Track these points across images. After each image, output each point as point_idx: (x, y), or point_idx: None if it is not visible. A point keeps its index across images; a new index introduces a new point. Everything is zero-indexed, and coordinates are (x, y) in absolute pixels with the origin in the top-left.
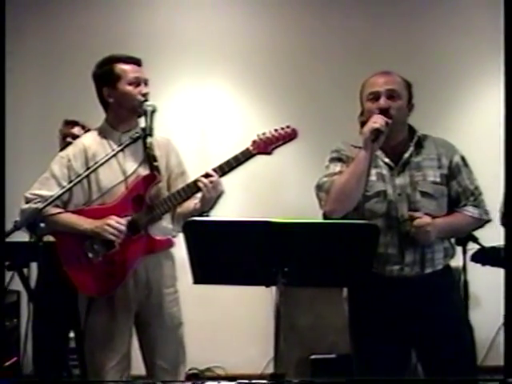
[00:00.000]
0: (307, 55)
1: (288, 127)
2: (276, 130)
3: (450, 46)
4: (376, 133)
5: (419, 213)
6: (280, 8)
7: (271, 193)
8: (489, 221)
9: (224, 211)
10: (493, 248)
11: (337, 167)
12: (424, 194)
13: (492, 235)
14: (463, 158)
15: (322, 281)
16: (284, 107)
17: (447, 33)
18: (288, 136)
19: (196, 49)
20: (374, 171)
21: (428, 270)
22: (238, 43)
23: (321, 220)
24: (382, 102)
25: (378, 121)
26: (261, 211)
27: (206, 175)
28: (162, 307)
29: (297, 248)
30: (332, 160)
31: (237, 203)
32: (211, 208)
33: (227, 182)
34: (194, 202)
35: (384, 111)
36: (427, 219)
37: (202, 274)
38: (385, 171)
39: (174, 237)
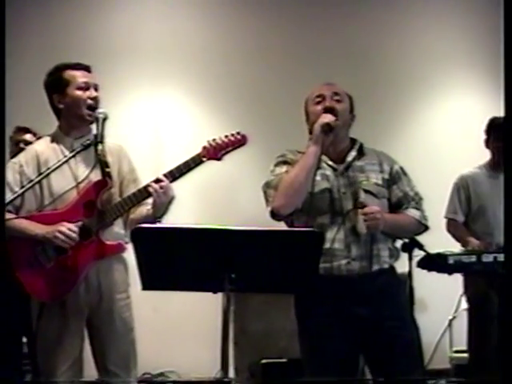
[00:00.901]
0: (256, 63)
1: (238, 133)
2: (226, 137)
3: (394, 60)
4: (326, 127)
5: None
6: (230, 18)
7: (223, 198)
8: (427, 228)
9: (177, 217)
10: (438, 254)
11: (282, 169)
12: (368, 192)
13: (438, 242)
14: (402, 168)
15: (268, 287)
16: (235, 114)
17: (393, 44)
18: (238, 142)
19: (150, 58)
20: (318, 172)
21: (375, 267)
22: (190, 52)
23: (266, 228)
24: (328, 102)
25: (327, 116)
26: (213, 216)
27: (157, 180)
28: (113, 312)
29: (243, 255)
30: (277, 164)
31: (189, 209)
32: (163, 213)
33: (179, 188)
34: (146, 208)
35: (330, 110)
36: (376, 207)
37: (150, 280)
38: (329, 172)
39: (126, 243)
